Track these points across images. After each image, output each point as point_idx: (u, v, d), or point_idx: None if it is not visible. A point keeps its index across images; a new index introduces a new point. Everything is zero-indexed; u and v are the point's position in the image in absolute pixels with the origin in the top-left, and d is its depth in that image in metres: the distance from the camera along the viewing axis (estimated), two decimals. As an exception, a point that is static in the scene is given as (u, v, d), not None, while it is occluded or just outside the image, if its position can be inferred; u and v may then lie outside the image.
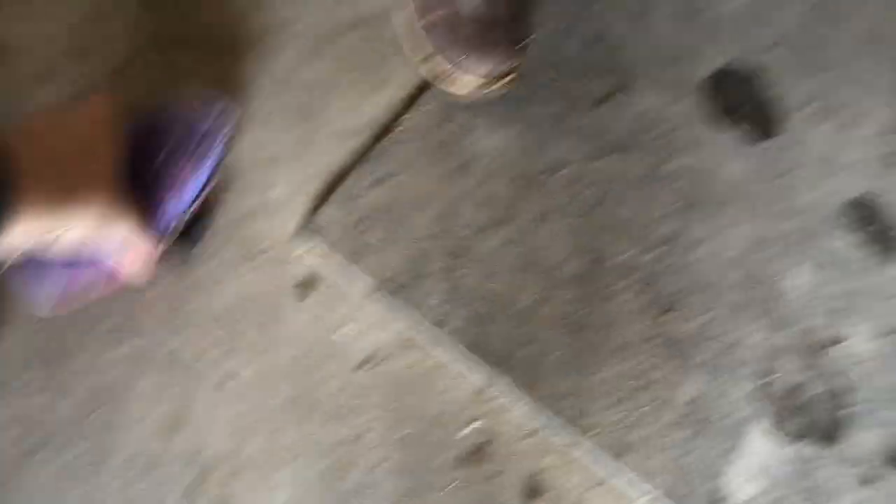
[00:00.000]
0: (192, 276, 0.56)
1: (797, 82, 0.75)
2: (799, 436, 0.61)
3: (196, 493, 0.50)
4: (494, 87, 0.62)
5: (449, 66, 0.61)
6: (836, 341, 0.65)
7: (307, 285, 0.57)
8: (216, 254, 0.57)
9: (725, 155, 0.71)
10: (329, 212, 0.58)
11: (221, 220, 0.57)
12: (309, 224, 0.58)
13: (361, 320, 0.56)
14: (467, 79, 0.60)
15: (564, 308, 0.59)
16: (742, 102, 0.74)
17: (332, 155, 0.61)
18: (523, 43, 0.64)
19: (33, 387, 0.52)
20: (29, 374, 0.53)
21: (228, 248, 0.57)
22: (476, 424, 0.55)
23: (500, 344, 0.57)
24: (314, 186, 0.59)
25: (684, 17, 0.76)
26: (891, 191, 0.73)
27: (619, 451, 0.56)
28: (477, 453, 0.54)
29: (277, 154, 0.60)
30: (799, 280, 0.67)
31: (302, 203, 0.59)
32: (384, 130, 0.62)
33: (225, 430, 0.52)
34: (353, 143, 0.61)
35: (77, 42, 0.61)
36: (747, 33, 0.76)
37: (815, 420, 0.62)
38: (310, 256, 0.58)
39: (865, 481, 0.60)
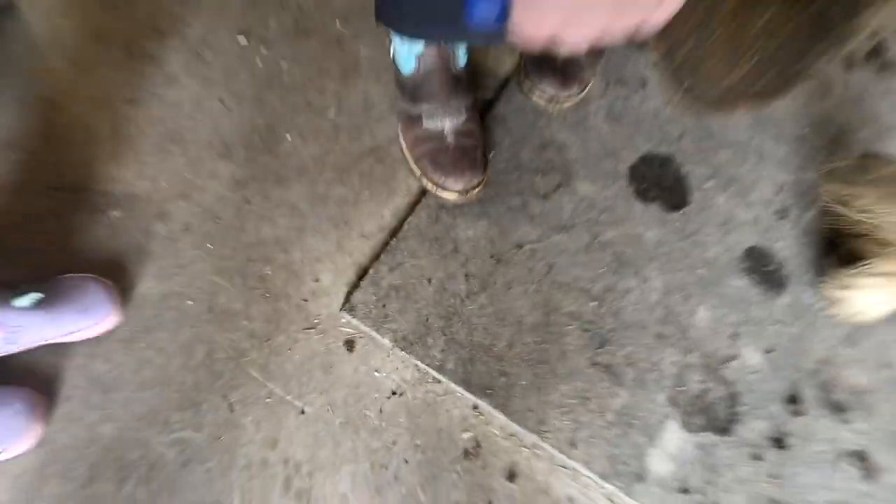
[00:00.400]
0: (271, 344, 0.82)
1: (701, 162, 1.00)
2: (703, 428, 0.84)
3: (290, 485, 0.76)
4: (470, 195, 0.88)
5: (431, 184, 0.87)
6: (732, 358, 0.89)
7: (350, 344, 0.83)
8: (287, 328, 0.83)
9: (648, 224, 0.96)
10: (360, 294, 0.85)
11: (284, 303, 0.84)
12: (347, 303, 0.85)
13: (389, 366, 0.82)
14: (446, 194, 0.87)
15: (527, 349, 0.84)
16: (659, 182, 0.99)
17: (360, 252, 0.87)
18: (487, 162, 0.90)
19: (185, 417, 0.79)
20: (178, 414, 0.79)
21: (294, 323, 0.84)
22: (469, 433, 0.80)
23: (482, 378, 0.82)
24: (349, 276, 0.86)
25: (613, 120, 1.01)
26: (780, 238, 0.97)
27: (569, 447, 0.81)
28: (471, 452, 0.79)
29: (322, 254, 0.87)
30: (706, 314, 0.91)
31: (342, 288, 0.85)
32: (394, 231, 0.89)
33: (304, 443, 0.78)
34: (373, 242, 0.88)
35: (181, 188, 0.89)
36: (661, 128, 1.01)
37: (716, 416, 0.85)
38: (350, 325, 0.84)
39: (755, 457, 0.84)
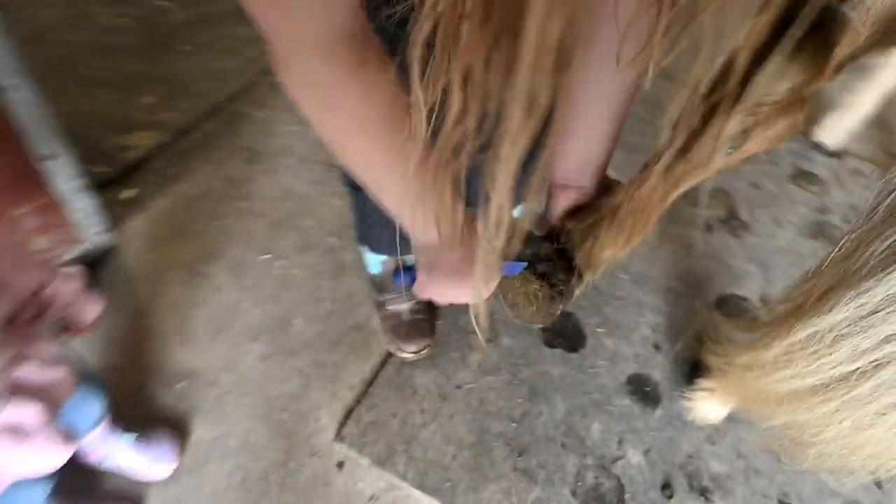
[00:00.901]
0: (287, 467, 1.17)
1: (594, 314, 1.40)
2: (597, 512, 1.16)
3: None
4: (421, 353, 1.28)
5: (394, 348, 1.27)
6: (619, 458, 1.22)
7: (341, 465, 1.18)
8: (298, 455, 1.19)
9: (553, 363, 1.33)
10: (347, 429, 1.21)
11: (295, 438, 1.20)
12: (338, 435, 1.21)
13: (367, 479, 1.16)
14: (405, 354, 1.26)
15: (466, 461, 1.18)
16: (562, 332, 1.38)
17: (348, 399, 1.25)
18: (434, 329, 1.31)
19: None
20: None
21: (303, 451, 1.19)
22: (426, 525, 1.12)
23: (434, 483, 1.16)
24: (339, 416, 1.23)
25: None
26: (656, 366, 1.34)
27: (500, 530, 1.12)
28: (428, 539, 1.10)
29: (321, 403, 1.25)
30: (598, 426, 1.26)
31: (335, 425, 1.22)
32: (370, 382, 1.27)
33: (308, 542, 1.10)
34: (357, 391, 1.26)
35: (225, 363, 1.29)
36: (560, 294, 1.42)
37: (608, 502, 1.17)
38: (340, 451, 1.19)
39: (637, 532, 1.14)
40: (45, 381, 0.85)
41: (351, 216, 1.20)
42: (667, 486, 1.20)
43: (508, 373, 1.31)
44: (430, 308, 1.34)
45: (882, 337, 0.66)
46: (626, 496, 1.18)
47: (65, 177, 1.19)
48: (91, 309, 0.94)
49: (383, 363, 1.30)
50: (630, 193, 0.75)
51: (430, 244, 0.71)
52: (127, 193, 1.49)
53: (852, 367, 0.71)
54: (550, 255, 0.83)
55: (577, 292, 0.86)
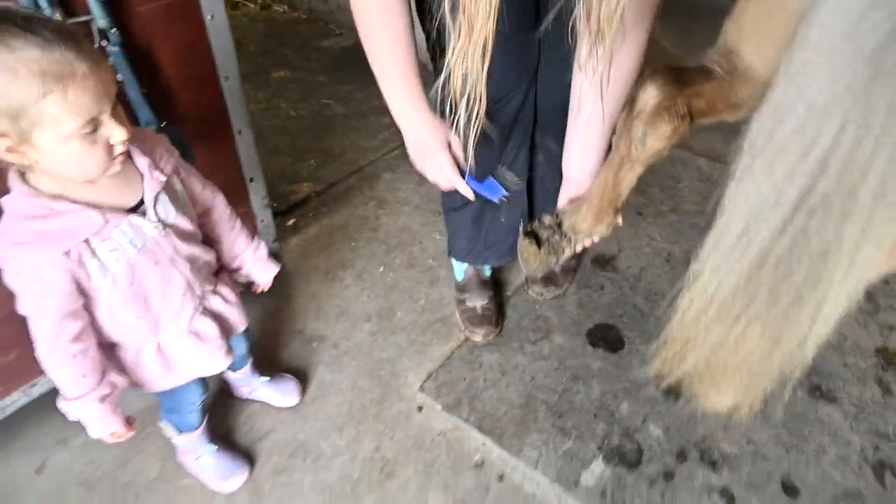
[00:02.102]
0: (390, 408, 1.57)
1: (634, 328, 1.72)
2: (617, 464, 1.43)
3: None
4: (487, 339, 1.66)
5: (468, 333, 1.67)
6: (642, 430, 1.49)
7: (420, 408, 1.55)
8: (395, 403, 1.58)
9: (594, 358, 1.65)
10: (427, 385, 1.60)
11: (394, 390, 1.60)
12: (421, 389, 1.59)
13: (438, 419, 1.52)
14: (476, 338, 1.66)
15: (515, 415, 1.52)
16: (605, 337, 1.71)
17: (428, 367, 1.64)
18: (502, 323, 1.70)
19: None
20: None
21: (400, 399, 1.58)
22: (478, 454, 1.45)
23: (490, 423, 1.50)
24: (421, 378, 1.62)
25: (580, 305, 1.78)
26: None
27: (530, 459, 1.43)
28: (478, 463, 1.44)
29: (409, 367, 1.65)
30: (628, 406, 1.54)
31: (420, 382, 1.61)
32: (449, 356, 1.66)
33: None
34: (436, 363, 1.65)
35: (411, 239, 1.75)
36: (609, 310, 1.77)
37: (627, 459, 1.44)
38: (420, 399, 1.57)
39: (651, 483, 1.39)
40: (226, 312, 1.21)
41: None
42: (681, 455, 1.45)
43: (556, 360, 1.65)
44: (498, 307, 1.74)
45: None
46: (644, 457, 1.45)
47: (258, 196, 1.77)
48: (269, 271, 1.35)
49: (459, 346, 1.70)
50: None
51: (408, 128, 1.14)
52: (290, 221, 2.07)
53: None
54: (552, 225, 1.23)
55: (568, 253, 1.24)
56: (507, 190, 1.24)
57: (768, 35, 0.94)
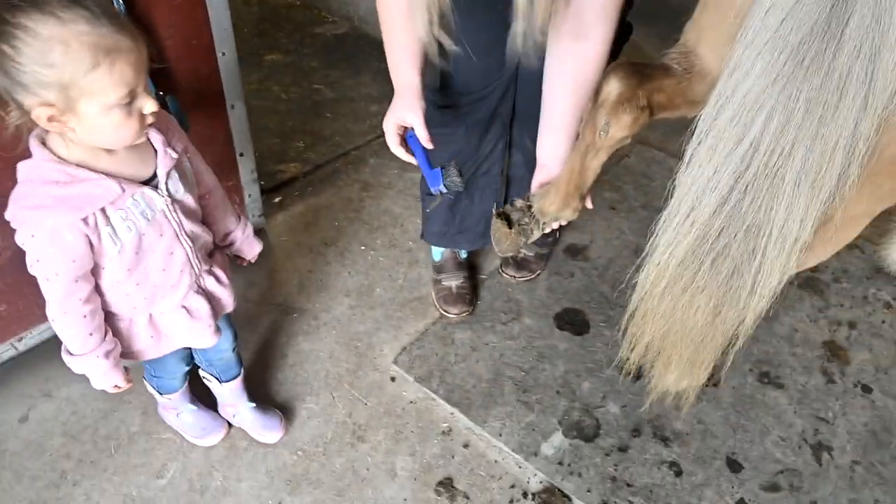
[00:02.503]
0: (358, 384, 1.64)
1: (599, 313, 1.81)
2: (575, 437, 1.52)
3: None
4: (461, 317, 1.75)
5: (442, 310, 1.75)
6: (601, 407, 1.59)
7: (392, 379, 1.63)
8: (369, 374, 1.66)
9: (562, 341, 1.75)
10: (401, 358, 1.68)
11: (368, 362, 1.68)
12: (395, 361, 1.67)
13: (410, 389, 1.60)
14: (449, 315, 1.74)
15: (479, 391, 1.61)
16: (572, 321, 1.80)
17: (403, 341, 1.73)
18: (474, 302, 1.78)
19: None
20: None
21: (373, 370, 1.66)
22: (445, 423, 1.54)
23: (459, 397, 1.58)
24: (396, 352, 1.70)
25: (549, 290, 1.87)
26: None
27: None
28: (445, 432, 1.52)
29: (385, 340, 1.73)
30: (589, 385, 1.64)
31: (395, 354, 1.69)
32: (423, 333, 1.75)
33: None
34: (410, 338, 1.74)
35: (392, 221, 1.82)
36: (578, 296, 1.86)
37: (584, 433, 1.53)
38: (393, 370, 1.65)
39: (606, 454, 1.49)
40: (218, 293, 1.23)
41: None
42: (636, 431, 1.55)
43: (525, 340, 1.74)
44: (472, 288, 1.82)
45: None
46: (601, 431, 1.54)
47: (247, 170, 1.84)
48: (256, 248, 1.37)
49: (434, 323, 1.78)
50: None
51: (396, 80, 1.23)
52: (276, 199, 2.13)
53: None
54: (522, 208, 1.32)
55: (537, 234, 1.33)
56: (445, 188, 1.28)
57: (723, 37, 1.03)
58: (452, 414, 1.57)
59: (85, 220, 0.96)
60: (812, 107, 0.70)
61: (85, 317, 1.04)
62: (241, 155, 1.80)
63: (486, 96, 1.43)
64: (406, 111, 1.23)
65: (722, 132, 0.79)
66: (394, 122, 1.25)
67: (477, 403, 1.58)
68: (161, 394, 1.39)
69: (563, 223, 1.35)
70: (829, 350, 1.76)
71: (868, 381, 1.69)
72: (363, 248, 2.00)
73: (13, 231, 1.38)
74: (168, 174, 1.05)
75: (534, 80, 1.32)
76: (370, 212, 2.13)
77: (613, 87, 1.06)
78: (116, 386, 1.12)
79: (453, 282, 1.80)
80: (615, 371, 1.67)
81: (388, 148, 1.31)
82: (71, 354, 1.07)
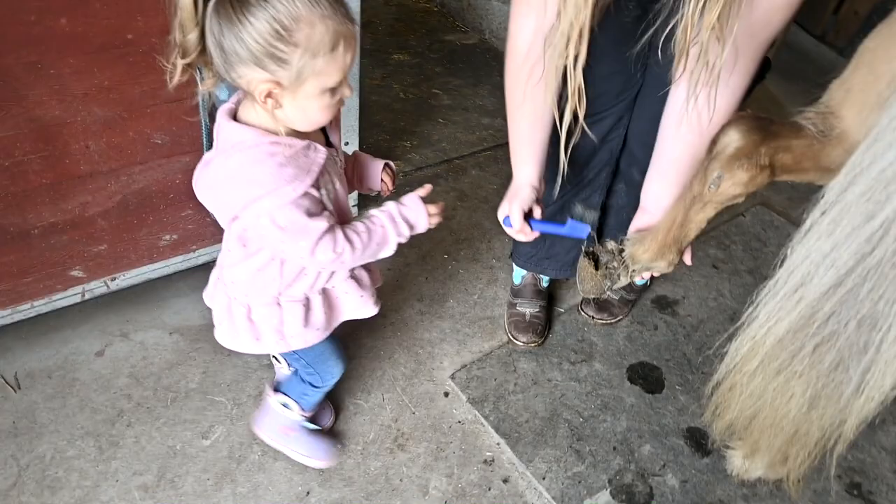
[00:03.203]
0: (414, 391, 1.62)
1: (677, 375, 1.68)
2: (623, 501, 1.40)
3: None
4: (528, 346, 1.67)
5: (511, 336, 1.69)
6: (658, 476, 1.46)
7: (446, 394, 1.59)
8: (427, 383, 1.63)
9: (630, 395, 1.63)
10: (459, 375, 1.63)
11: (426, 374, 1.64)
12: (453, 376, 1.63)
13: (460, 407, 1.55)
14: (517, 342, 1.67)
15: (536, 426, 1.53)
16: (645, 376, 1.68)
17: (465, 358, 1.68)
18: (546, 334, 1.71)
19: None
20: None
21: (431, 381, 1.63)
22: (490, 452, 1.47)
23: (508, 426, 1.51)
24: (456, 367, 1.66)
25: (628, 339, 1.76)
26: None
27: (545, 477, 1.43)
28: (487, 460, 1.45)
29: (447, 353, 1.69)
30: (651, 449, 1.51)
31: (451, 371, 1.65)
32: (488, 354, 1.69)
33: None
34: (474, 356, 1.68)
35: (480, 236, 1.81)
36: (658, 350, 1.73)
37: (635, 500, 1.41)
38: (449, 385, 1.61)
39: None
40: (371, 263, 1.19)
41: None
42: (691, 512, 1.41)
43: (591, 385, 1.64)
44: (546, 319, 1.75)
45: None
46: (653, 502, 1.42)
47: (348, 159, 1.86)
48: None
49: (500, 346, 1.72)
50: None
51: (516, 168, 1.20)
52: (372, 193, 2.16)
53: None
54: (613, 251, 1.23)
55: (624, 281, 1.24)
56: (591, 226, 1.23)
57: (872, 101, 0.91)
58: (499, 444, 1.50)
59: (316, 185, 0.98)
60: None
61: (354, 247, 1.04)
62: (346, 145, 1.83)
63: (599, 122, 1.36)
64: (517, 205, 1.21)
65: (850, 206, 0.70)
66: (502, 213, 1.25)
67: (526, 439, 1.50)
68: (305, 407, 1.35)
69: (655, 275, 1.26)
70: (941, 475, 1.53)
71: (983, 522, 1.45)
72: (445, 256, 1.98)
73: (126, 178, 1.44)
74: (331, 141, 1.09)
75: (652, 115, 1.24)
76: (460, 222, 2.10)
77: (732, 139, 0.97)
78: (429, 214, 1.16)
79: (528, 309, 1.73)
80: (683, 440, 1.54)
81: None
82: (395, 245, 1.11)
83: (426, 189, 1.18)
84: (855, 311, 0.73)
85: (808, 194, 1.01)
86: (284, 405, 1.36)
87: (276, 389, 1.38)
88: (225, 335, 1.17)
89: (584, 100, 1.04)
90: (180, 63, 0.90)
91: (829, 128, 0.98)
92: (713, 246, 2.10)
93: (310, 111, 0.93)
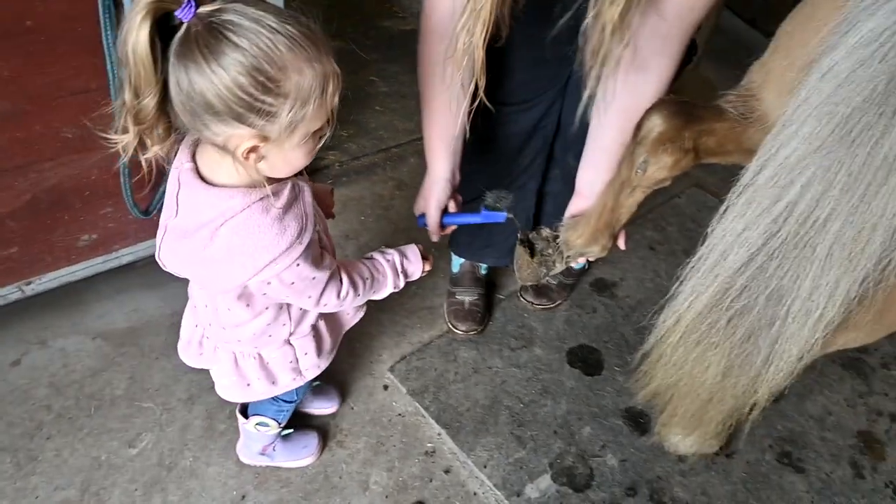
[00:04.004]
0: (356, 388, 1.58)
1: (615, 356, 1.70)
2: (564, 484, 1.42)
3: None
4: (468, 335, 1.66)
5: (451, 325, 1.68)
6: (598, 457, 1.48)
7: (385, 387, 1.57)
8: (365, 378, 1.60)
9: (570, 378, 1.64)
10: (398, 367, 1.61)
11: (364, 368, 1.61)
12: (392, 369, 1.61)
13: (399, 398, 1.53)
14: (457, 331, 1.66)
15: (478, 414, 1.52)
16: (584, 359, 1.69)
17: (404, 350, 1.66)
18: (486, 321, 1.70)
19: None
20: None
21: (369, 375, 1.60)
22: (429, 443, 1.46)
23: (448, 415, 1.50)
24: (395, 359, 1.63)
25: (567, 322, 1.77)
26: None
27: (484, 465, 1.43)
28: (429, 451, 1.44)
29: (385, 345, 1.66)
30: (590, 430, 1.53)
31: (389, 363, 1.62)
32: (427, 344, 1.67)
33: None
34: (413, 347, 1.66)
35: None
36: (596, 332, 1.75)
37: (576, 482, 1.42)
38: (388, 378, 1.58)
39: (591, 509, 1.38)
40: None
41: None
42: (631, 490, 1.43)
43: (531, 371, 1.65)
44: (486, 306, 1.74)
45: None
46: (594, 483, 1.43)
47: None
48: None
49: (440, 336, 1.71)
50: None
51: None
52: (309, 184, 2.10)
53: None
54: (548, 237, 1.23)
55: (559, 267, 1.24)
56: (508, 211, 1.22)
57: (789, 84, 0.93)
58: (439, 435, 1.49)
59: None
60: (852, 182, 0.62)
61: (366, 279, 1.06)
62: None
63: (530, 108, 1.35)
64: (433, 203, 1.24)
65: (760, 189, 0.71)
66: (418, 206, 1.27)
67: (467, 428, 1.50)
68: (283, 421, 1.29)
69: (591, 259, 1.26)
70: (864, 441, 1.59)
71: (902, 482, 1.52)
72: (384, 247, 1.94)
73: (35, 175, 1.34)
74: None
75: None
76: (399, 212, 2.07)
77: (656, 124, 0.97)
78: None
79: (467, 297, 1.72)
80: (622, 420, 1.56)
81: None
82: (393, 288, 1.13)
83: (422, 246, 1.20)
84: (763, 286, 0.75)
85: (740, 177, 1.03)
86: (262, 424, 1.27)
87: (246, 413, 1.30)
88: (233, 389, 1.12)
89: (484, 77, 1.03)
90: (133, 129, 0.77)
91: (749, 110, 0.99)
92: (650, 228, 2.13)
93: (294, 160, 0.85)
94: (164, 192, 1.47)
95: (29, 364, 1.48)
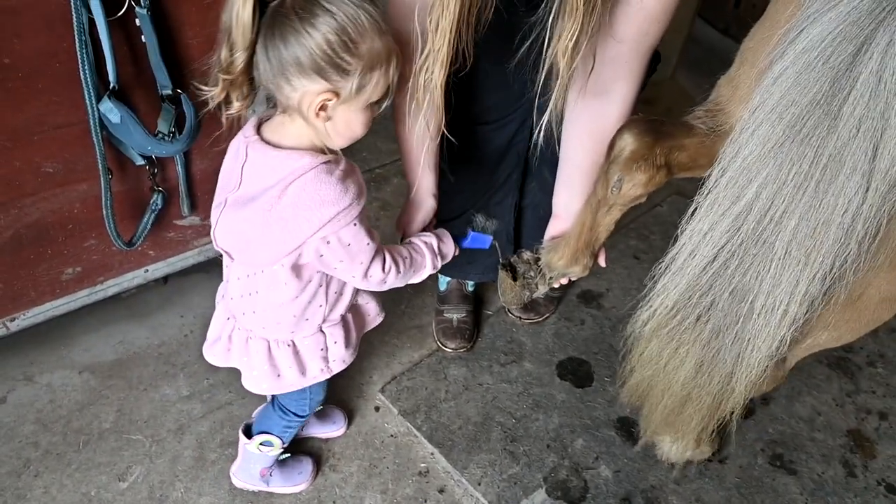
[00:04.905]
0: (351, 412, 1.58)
1: (605, 367, 1.71)
2: (559, 498, 1.41)
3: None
4: (457, 352, 1.67)
5: (440, 343, 1.68)
6: (592, 469, 1.48)
7: (377, 408, 1.56)
8: (356, 399, 1.59)
9: (561, 391, 1.65)
10: (389, 388, 1.61)
11: (356, 390, 1.61)
12: (383, 390, 1.60)
13: (391, 420, 1.52)
14: (446, 349, 1.66)
15: (469, 431, 1.52)
16: (575, 371, 1.70)
17: (394, 370, 1.65)
18: (474, 338, 1.70)
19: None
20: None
21: (359, 398, 1.59)
22: (423, 463, 1.45)
23: (440, 433, 1.50)
24: (385, 380, 1.63)
25: (556, 335, 1.78)
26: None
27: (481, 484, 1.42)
28: (422, 471, 1.44)
29: (376, 366, 1.66)
30: (583, 443, 1.53)
31: (380, 384, 1.62)
32: (418, 363, 1.67)
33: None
34: (403, 367, 1.66)
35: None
36: (586, 345, 1.76)
37: (570, 496, 1.42)
38: (379, 399, 1.58)
39: (587, 522, 1.38)
40: None
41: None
42: (626, 500, 1.43)
43: (521, 385, 1.65)
44: (474, 323, 1.75)
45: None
46: (588, 495, 1.43)
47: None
48: None
49: (430, 355, 1.71)
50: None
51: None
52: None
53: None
54: (529, 260, 1.24)
55: (542, 289, 1.25)
56: (492, 235, 1.24)
57: (757, 96, 0.96)
58: (433, 454, 1.48)
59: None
60: (802, 180, 0.65)
61: (403, 258, 1.10)
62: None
63: (503, 126, 1.37)
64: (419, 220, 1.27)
65: (721, 190, 0.74)
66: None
67: (460, 446, 1.49)
68: (287, 441, 1.30)
69: (573, 279, 1.28)
70: (854, 440, 1.61)
71: (894, 480, 1.53)
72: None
73: (17, 211, 1.35)
74: None
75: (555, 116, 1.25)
76: (384, 232, 2.07)
77: (627, 143, 1.00)
78: None
79: (455, 314, 1.72)
80: (614, 431, 1.56)
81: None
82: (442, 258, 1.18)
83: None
84: (727, 284, 0.79)
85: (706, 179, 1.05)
86: (265, 444, 1.28)
87: (249, 433, 1.30)
88: (263, 380, 1.14)
89: (445, 117, 1.08)
90: (221, 82, 0.90)
91: (718, 124, 1.01)
92: (633, 238, 2.16)
93: (354, 125, 0.95)
94: (146, 224, 1.49)
95: (15, 401, 1.47)
